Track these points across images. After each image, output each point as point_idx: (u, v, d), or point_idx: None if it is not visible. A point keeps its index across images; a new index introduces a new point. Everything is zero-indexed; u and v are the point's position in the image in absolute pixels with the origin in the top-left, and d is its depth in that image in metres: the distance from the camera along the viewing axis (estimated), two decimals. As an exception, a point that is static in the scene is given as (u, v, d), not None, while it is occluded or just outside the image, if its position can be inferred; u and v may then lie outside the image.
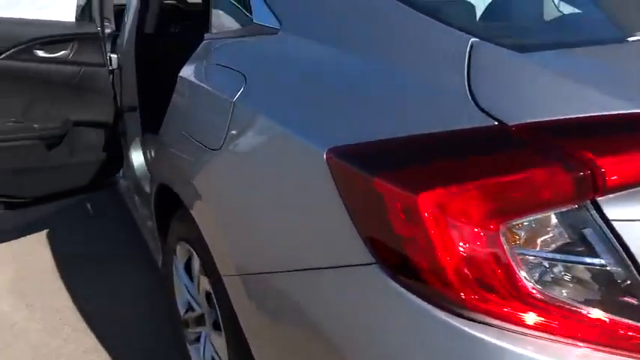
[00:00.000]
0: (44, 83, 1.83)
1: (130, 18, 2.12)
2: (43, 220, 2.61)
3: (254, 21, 1.18)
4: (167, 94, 2.41)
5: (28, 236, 2.51)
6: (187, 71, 1.32)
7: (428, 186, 0.71)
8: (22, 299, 2.05)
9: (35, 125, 1.82)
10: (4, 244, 2.43)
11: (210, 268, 1.22)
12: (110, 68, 2.06)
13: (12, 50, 1.70)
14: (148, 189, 2.27)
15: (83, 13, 1.93)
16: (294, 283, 0.92)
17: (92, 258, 2.34)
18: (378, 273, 0.77)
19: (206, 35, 1.40)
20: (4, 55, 1.70)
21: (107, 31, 2.03)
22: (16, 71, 1.74)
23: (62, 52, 1.85)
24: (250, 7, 1.19)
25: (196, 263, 1.39)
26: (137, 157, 2.36)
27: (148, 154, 2.38)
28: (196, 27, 2.79)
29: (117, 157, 2.19)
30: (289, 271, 0.93)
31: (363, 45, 0.93)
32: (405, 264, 0.75)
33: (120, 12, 2.12)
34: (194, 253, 1.39)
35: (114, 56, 2.09)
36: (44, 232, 2.55)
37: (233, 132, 1.05)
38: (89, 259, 2.33)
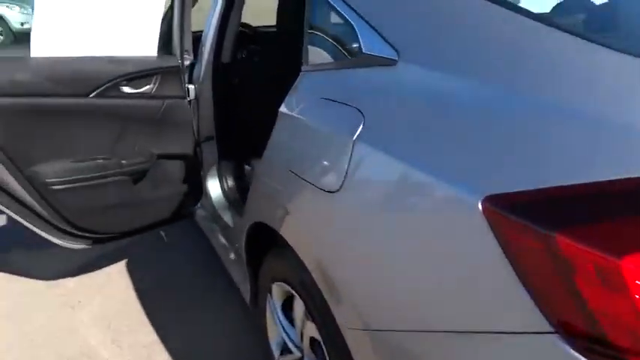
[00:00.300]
0: (130, 119, 1.83)
1: (207, 48, 2.11)
2: (120, 250, 2.63)
3: (363, 51, 1.10)
4: (243, 121, 2.40)
5: (107, 267, 2.53)
6: (289, 106, 1.26)
7: (632, 247, 0.60)
8: (108, 334, 2.04)
9: (123, 161, 1.82)
10: (85, 276, 2.45)
11: (321, 316, 1.13)
12: (188, 99, 2.05)
13: (101, 88, 1.71)
14: (227, 218, 2.24)
15: (164, 46, 1.92)
16: (438, 346, 0.82)
17: (172, 289, 2.32)
18: (557, 344, 0.66)
19: (303, 67, 1.33)
20: (94, 94, 1.70)
21: (187, 62, 2.02)
22: (105, 108, 1.75)
23: (146, 87, 1.85)
24: (358, 36, 1.12)
25: (299, 307, 1.31)
26: (214, 186, 2.34)
27: (225, 183, 2.35)
28: (264, 52, 2.79)
29: (197, 188, 2.17)
30: (431, 332, 0.84)
31: (513, 76, 0.83)
32: (597, 337, 0.64)
33: (196, 39, 2.10)
34: (296, 295, 1.31)
35: (191, 87, 2.08)
36: (123, 263, 2.57)
37: (355, 173, 0.97)
38: (169, 291, 2.31)
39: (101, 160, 1.78)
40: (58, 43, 1.64)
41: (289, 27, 2.21)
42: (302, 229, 1.13)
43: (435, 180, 0.82)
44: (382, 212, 0.91)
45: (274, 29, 2.90)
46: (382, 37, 1.06)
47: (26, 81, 1.56)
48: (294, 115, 1.21)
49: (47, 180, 1.66)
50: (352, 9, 1.15)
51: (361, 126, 0.99)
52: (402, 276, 0.86)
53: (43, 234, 1.79)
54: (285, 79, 2.31)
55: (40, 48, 1.60)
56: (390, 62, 1.02)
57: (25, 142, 1.61)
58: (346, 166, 0.99)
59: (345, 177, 0.99)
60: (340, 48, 1.23)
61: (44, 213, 1.72)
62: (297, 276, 1.25)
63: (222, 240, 2.17)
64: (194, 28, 2.05)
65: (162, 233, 2.83)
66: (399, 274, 0.86)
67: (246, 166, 2.45)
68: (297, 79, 1.32)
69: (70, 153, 1.72)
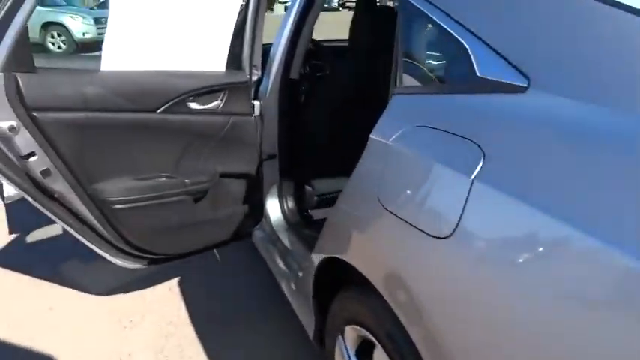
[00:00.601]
0: (195, 135, 1.74)
1: (276, 63, 2.01)
2: (172, 268, 2.55)
3: (478, 74, 0.95)
4: (307, 141, 2.29)
5: (159, 285, 2.45)
6: (382, 133, 1.12)
7: None
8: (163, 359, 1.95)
9: (186, 180, 1.73)
10: (137, 293, 2.38)
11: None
12: (253, 116, 1.95)
13: (168, 104, 1.63)
14: (286, 241, 2.13)
15: (233, 60, 1.84)
16: None
17: (229, 314, 2.21)
18: None
19: (396, 90, 1.19)
20: (161, 109, 1.62)
21: (254, 78, 1.93)
22: (171, 124, 1.67)
23: (213, 103, 1.76)
24: (470, 57, 0.97)
25: (381, 357, 1.16)
26: (274, 207, 2.23)
27: (285, 204, 2.24)
28: (330, 68, 2.67)
29: (258, 209, 2.07)
30: None
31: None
32: None
33: (263, 52, 2.01)
34: (378, 345, 1.17)
35: (256, 103, 1.99)
36: (175, 281, 2.49)
37: (473, 219, 0.82)
38: (226, 316, 2.20)
39: (164, 179, 1.69)
40: (129, 56, 1.57)
41: (365, 43, 2.09)
42: (397, 275, 0.99)
43: (587, 237, 0.66)
44: (510, 267, 0.75)
45: (339, 44, 2.79)
46: (505, 59, 0.91)
47: (94, 95, 1.49)
48: (389, 143, 1.07)
49: (110, 199, 1.59)
50: (463, 26, 1.01)
51: (481, 163, 0.84)
52: (538, 342, 0.70)
53: (100, 252, 1.72)
54: (357, 98, 2.21)
55: (111, 61, 1.53)
56: (516, 89, 0.87)
57: (90, 159, 1.54)
58: (461, 209, 0.84)
59: (459, 222, 0.84)
60: (445, 70, 1.09)
61: (104, 232, 1.65)
62: (383, 325, 1.10)
63: (281, 264, 2.04)
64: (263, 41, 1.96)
65: (216, 253, 2.74)
66: (534, 340, 0.70)
67: (307, 187, 2.33)
68: (390, 102, 1.18)
69: (134, 170, 1.64)
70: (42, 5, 10.64)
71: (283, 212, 2.23)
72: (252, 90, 1.98)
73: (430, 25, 1.11)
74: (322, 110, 2.22)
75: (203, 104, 1.74)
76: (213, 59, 1.77)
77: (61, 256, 2.66)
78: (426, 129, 1.01)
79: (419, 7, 1.15)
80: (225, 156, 1.86)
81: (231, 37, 1.77)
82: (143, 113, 1.59)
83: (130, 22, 1.56)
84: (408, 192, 0.99)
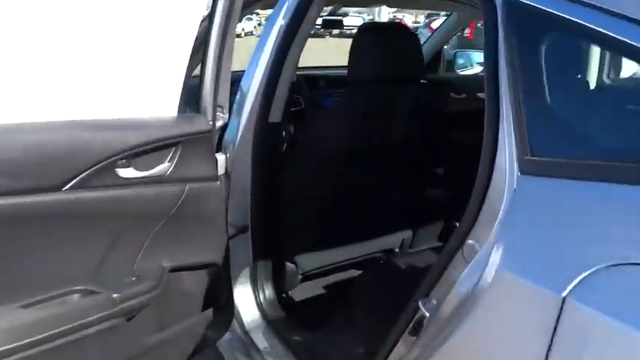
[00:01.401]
0: (129, 219, 1.11)
1: (249, 100, 1.41)
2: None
3: None
4: (291, 205, 1.68)
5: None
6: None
7: None
8: None
9: (115, 295, 1.07)
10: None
11: None
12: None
13: (82, 175, 0.98)
14: (264, 346, 1.51)
15: (188, 99, 1.22)
16: None
17: None
18: None
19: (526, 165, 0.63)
20: (70, 185, 0.97)
21: (219, 123, 1.32)
22: (87, 207, 1.03)
23: (159, 167, 1.13)
24: None
25: None
26: (246, 299, 1.60)
27: (261, 294, 1.62)
28: (320, 106, 2.09)
29: (227, 309, 1.44)
30: None
31: None
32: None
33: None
34: None
35: (221, 157, 1.38)
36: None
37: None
38: None
39: (77, 297, 1.03)
40: (11, 98, 0.93)
41: (373, 70, 1.51)
42: None
43: None
44: None
45: (331, 72, 2.25)
46: None
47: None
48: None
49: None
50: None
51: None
52: None
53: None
54: (360, 147, 1.62)
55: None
56: None
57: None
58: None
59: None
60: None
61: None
62: None
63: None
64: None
65: None
66: None
67: (289, 265, 1.72)
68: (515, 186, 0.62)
69: (22, 288, 0.97)
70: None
71: (259, 305, 1.60)
72: (216, 138, 1.37)
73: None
74: (311, 163, 1.62)
75: (142, 170, 1.10)
76: (157, 99, 1.15)
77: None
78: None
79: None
80: (178, 243, 1.23)
81: (186, 66, 1.15)
82: (36, 195, 0.94)
83: (16, 42, 0.92)
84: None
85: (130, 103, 1.11)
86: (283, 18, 1.41)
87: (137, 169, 1.10)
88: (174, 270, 1.24)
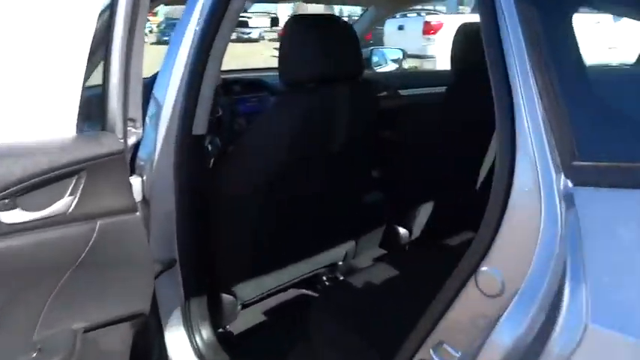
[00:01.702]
0: (21, 277, 0.83)
1: (167, 109, 1.17)
2: None
3: None
4: (225, 226, 1.44)
5: None
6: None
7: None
8: None
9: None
10: None
11: None
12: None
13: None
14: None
15: (89, 115, 0.96)
16: None
17: None
18: None
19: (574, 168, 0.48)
20: None
21: (132, 140, 1.07)
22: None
23: (58, 205, 0.87)
24: None
25: None
26: (179, 345, 1.35)
27: (197, 337, 1.37)
28: (251, 112, 1.86)
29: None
30: None
31: None
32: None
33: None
34: None
35: (136, 180, 1.13)
36: None
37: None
38: None
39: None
40: None
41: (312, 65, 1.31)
42: None
43: None
44: None
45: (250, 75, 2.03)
46: None
47: None
48: None
49: None
50: None
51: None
52: None
53: None
54: (305, 155, 1.40)
55: None
56: None
57: None
58: None
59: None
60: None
61: None
62: None
63: None
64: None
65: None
66: None
67: (226, 297, 1.48)
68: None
69: None
70: None
71: (195, 350, 1.36)
72: (129, 158, 1.11)
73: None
74: (244, 178, 1.40)
75: (34, 210, 0.84)
76: (47, 115, 0.89)
77: None
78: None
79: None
80: (92, 296, 0.97)
81: (83, 72, 0.90)
82: None
83: None
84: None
85: (9, 122, 0.84)
86: (199, 17, 1.19)
87: (26, 209, 0.83)
88: (89, 330, 0.98)
